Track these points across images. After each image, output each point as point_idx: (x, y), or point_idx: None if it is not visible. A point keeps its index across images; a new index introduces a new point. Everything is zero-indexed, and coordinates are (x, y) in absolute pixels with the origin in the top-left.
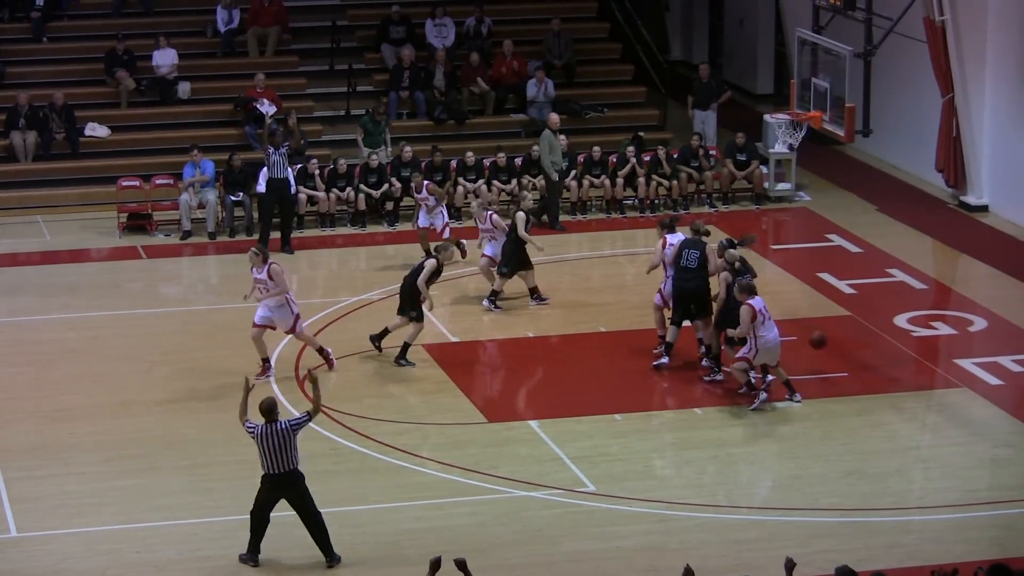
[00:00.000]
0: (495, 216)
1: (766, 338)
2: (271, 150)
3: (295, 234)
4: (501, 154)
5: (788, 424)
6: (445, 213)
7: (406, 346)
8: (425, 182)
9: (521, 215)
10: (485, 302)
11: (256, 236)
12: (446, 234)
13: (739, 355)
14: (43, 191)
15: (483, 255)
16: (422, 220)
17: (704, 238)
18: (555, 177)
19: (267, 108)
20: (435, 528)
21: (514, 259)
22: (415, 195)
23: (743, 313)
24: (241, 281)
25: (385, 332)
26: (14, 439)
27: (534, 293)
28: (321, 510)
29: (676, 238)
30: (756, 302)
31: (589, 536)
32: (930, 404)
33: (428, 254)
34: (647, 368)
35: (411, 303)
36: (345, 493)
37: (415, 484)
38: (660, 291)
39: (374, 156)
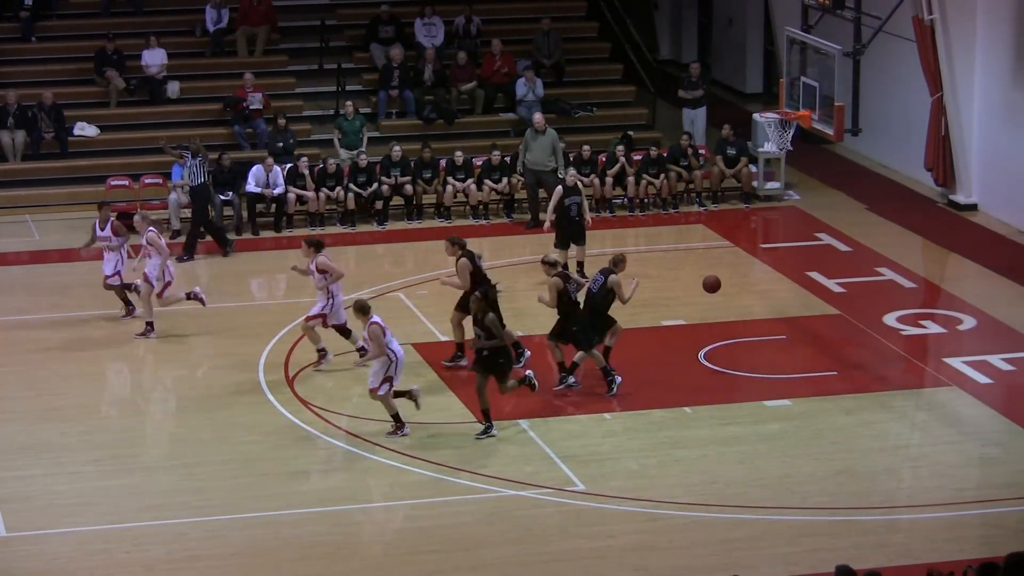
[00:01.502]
0: (153, 232)
1: (398, 353)
2: (188, 157)
3: (286, 233)
4: (496, 152)
5: (778, 423)
6: (125, 254)
7: (574, 366)
8: (111, 217)
9: (559, 189)
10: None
11: (246, 235)
12: (116, 281)
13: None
14: (32, 191)
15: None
16: (107, 268)
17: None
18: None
19: (254, 99)
20: (424, 527)
21: (577, 232)
22: (96, 231)
23: (376, 332)
24: (230, 280)
25: (575, 366)
26: (4, 439)
27: (581, 267)
28: (310, 510)
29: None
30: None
31: (579, 535)
32: (919, 403)
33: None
34: (637, 367)
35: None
36: (334, 492)
37: (404, 483)
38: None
39: (363, 156)
